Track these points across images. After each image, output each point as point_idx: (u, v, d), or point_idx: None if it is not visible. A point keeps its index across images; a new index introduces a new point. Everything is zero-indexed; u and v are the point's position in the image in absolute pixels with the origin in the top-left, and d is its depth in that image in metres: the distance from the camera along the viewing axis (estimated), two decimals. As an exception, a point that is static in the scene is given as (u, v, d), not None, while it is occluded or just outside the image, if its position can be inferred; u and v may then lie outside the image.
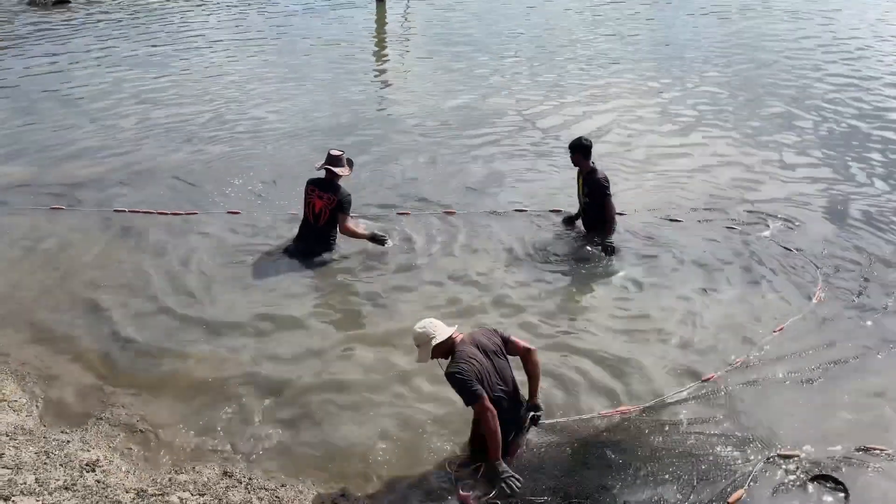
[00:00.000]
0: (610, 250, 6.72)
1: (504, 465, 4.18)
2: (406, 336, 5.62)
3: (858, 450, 4.51)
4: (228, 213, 7.54)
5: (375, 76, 12.67)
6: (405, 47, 14.54)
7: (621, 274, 6.53)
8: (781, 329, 5.69)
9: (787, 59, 13.05)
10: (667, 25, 15.59)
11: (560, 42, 14.14)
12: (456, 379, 4.12)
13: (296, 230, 6.96)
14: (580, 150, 6.72)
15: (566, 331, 5.78)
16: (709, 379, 5.17)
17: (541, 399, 4.63)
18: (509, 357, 4.47)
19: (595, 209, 6.81)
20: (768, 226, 7.29)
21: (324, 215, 6.73)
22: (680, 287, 6.33)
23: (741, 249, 6.90)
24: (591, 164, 6.77)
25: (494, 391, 4.23)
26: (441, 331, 4.24)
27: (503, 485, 4.12)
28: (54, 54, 13.33)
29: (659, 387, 5.11)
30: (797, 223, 7.36)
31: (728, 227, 7.24)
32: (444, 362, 4.29)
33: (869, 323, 5.82)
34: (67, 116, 10.35)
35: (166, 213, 7.54)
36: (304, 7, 17.30)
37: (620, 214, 7.09)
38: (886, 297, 6.14)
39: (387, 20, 16.40)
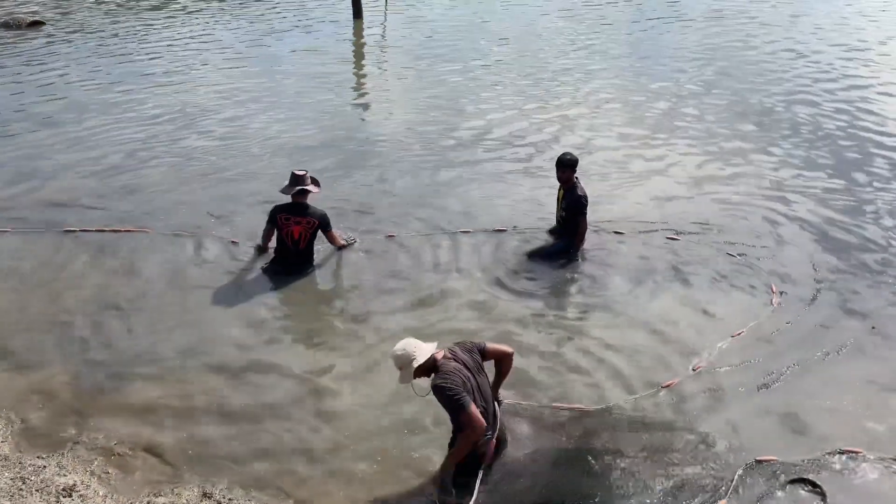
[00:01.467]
0: (573, 261, 6.82)
1: (449, 482, 4.13)
2: (387, 355, 5.66)
3: (835, 453, 4.57)
4: (223, 237, 7.39)
5: (353, 93, 12.69)
6: (383, 64, 14.59)
7: (578, 286, 6.59)
8: (740, 334, 5.76)
9: (750, 66, 13.24)
10: (640, 38, 15.75)
11: (537, 55, 14.22)
12: (442, 389, 4.02)
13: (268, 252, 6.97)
14: (568, 166, 6.77)
15: (529, 341, 5.80)
16: (669, 385, 5.21)
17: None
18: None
19: (571, 225, 6.86)
20: (711, 235, 7.31)
21: (304, 239, 6.72)
22: (632, 298, 6.34)
23: (691, 259, 6.91)
24: (575, 180, 6.82)
25: (478, 407, 4.19)
26: (421, 351, 4.16)
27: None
28: (29, 74, 13.26)
29: (616, 394, 5.17)
30: (744, 232, 7.36)
31: (671, 238, 7.23)
32: (421, 384, 4.24)
33: (826, 325, 5.91)
34: (41, 137, 10.26)
35: (119, 230, 7.45)
36: (281, 24, 17.33)
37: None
38: (839, 298, 6.25)
39: (364, 36, 16.45)
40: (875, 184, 8.41)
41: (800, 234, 7.34)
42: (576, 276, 6.72)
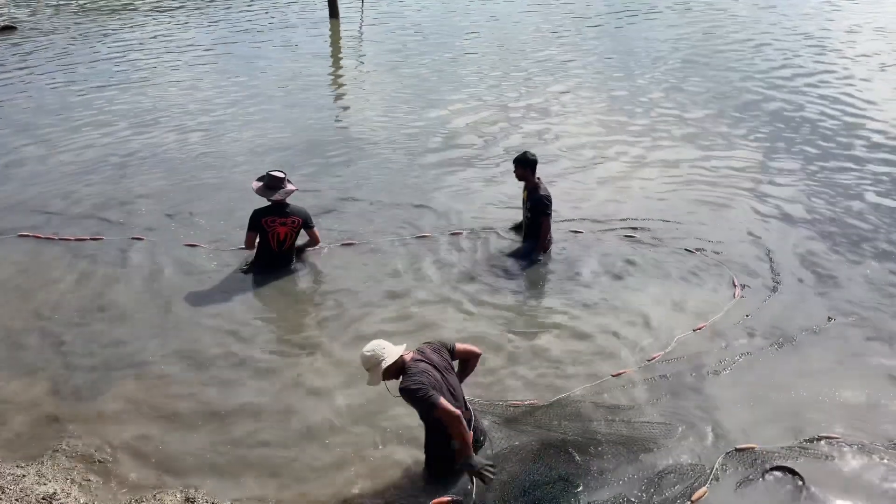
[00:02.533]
0: (536, 262, 6.84)
1: (477, 457, 4.10)
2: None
3: (813, 439, 4.63)
4: (198, 242, 7.34)
5: (331, 95, 12.65)
6: (360, 64, 14.56)
7: (540, 286, 6.62)
8: (703, 327, 5.82)
9: (716, 57, 13.39)
10: (610, 31, 15.85)
11: (514, 55, 14.25)
12: (410, 391, 4.02)
13: (246, 255, 6.96)
14: (525, 165, 6.79)
15: (495, 335, 5.86)
16: (618, 374, 5.28)
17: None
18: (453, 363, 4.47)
19: (534, 226, 6.85)
20: (670, 231, 7.36)
21: (289, 239, 6.72)
22: (598, 294, 6.38)
23: (650, 256, 6.95)
24: (537, 180, 6.82)
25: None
26: (390, 352, 4.15)
27: (480, 477, 4.05)
28: (9, 81, 13.11)
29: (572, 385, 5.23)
30: (699, 226, 7.45)
31: (628, 236, 7.26)
32: (393, 384, 4.23)
33: (790, 313, 6.00)
34: (15, 141, 10.19)
35: (85, 239, 7.41)
36: (256, 24, 17.24)
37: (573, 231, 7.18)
38: (800, 286, 6.37)
39: (341, 37, 16.41)
40: (836, 175, 8.54)
41: (760, 227, 7.44)
42: (537, 276, 6.72)
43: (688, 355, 5.52)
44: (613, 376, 5.29)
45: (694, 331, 5.78)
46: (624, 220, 7.58)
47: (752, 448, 4.56)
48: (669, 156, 9.28)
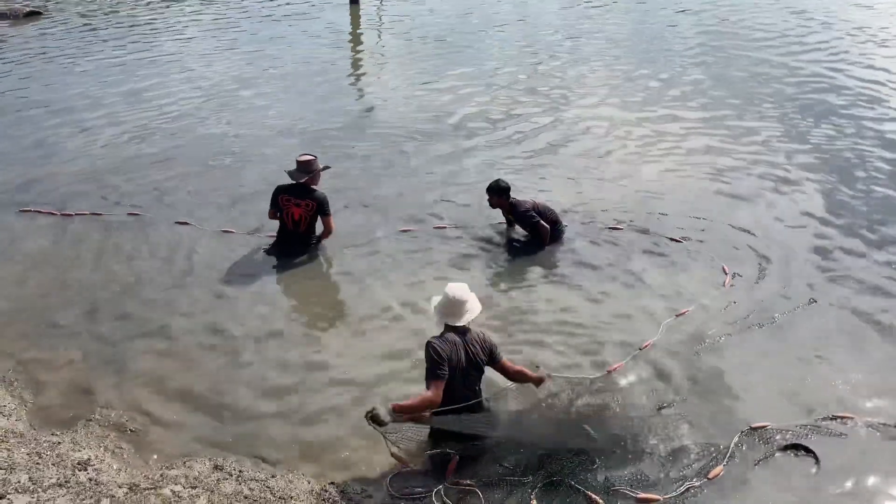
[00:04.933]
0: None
1: (384, 412, 4.10)
2: (391, 332, 5.81)
3: (827, 418, 4.71)
4: (223, 231, 7.39)
5: (348, 81, 12.72)
6: (380, 50, 14.64)
7: (529, 276, 6.61)
8: (685, 313, 5.86)
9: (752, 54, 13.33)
10: (650, 22, 15.80)
11: (540, 41, 14.26)
12: (430, 351, 4.27)
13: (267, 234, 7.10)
14: (500, 193, 6.85)
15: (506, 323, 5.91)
16: (613, 370, 5.25)
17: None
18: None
19: (533, 233, 6.91)
20: (655, 221, 7.39)
21: (304, 222, 6.80)
22: (597, 285, 6.39)
23: (645, 246, 6.97)
24: (511, 201, 6.86)
25: (457, 393, 4.36)
26: (473, 308, 4.44)
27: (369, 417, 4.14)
28: (28, 64, 13.32)
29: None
30: (692, 215, 7.48)
31: (612, 228, 7.25)
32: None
33: (782, 299, 6.05)
34: (45, 124, 10.38)
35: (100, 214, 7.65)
36: (278, 11, 17.35)
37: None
38: (788, 275, 6.41)
39: (361, 21, 16.49)
40: (834, 165, 8.59)
41: (749, 215, 7.50)
42: (529, 268, 6.73)
43: (698, 337, 5.60)
44: (640, 349, 5.41)
45: (676, 316, 5.83)
46: (605, 210, 7.61)
47: (766, 426, 4.64)
48: (682, 145, 9.34)
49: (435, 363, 4.26)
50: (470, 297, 4.45)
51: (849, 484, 4.29)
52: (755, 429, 4.64)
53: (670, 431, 4.66)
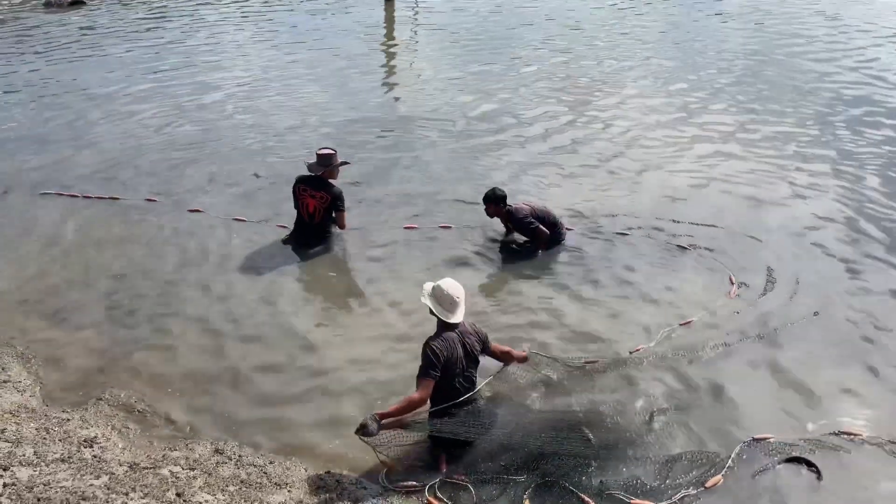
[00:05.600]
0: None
1: (374, 426, 4.22)
2: (395, 324, 5.85)
3: (833, 434, 4.62)
4: (235, 219, 7.52)
5: (379, 76, 12.80)
6: (412, 46, 14.70)
7: (529, 281, 6.55)
8: (690, 322, 5.79)
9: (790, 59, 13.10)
10: (688, 28, 15.62)
11: (578, 41, 14.17)
12: (428, 353, 4.37)
13: (289, 224, 7.17)
14: (495, 202, 6.81)
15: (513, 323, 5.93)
16: (594, 362, 5.24)
17: None
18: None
19: (532, 237, 6.87)
20: (665, 227, 7.30)
21: (318, 214, 6.88)
22: (599, 291, 6.33)
23: (652, 252, 6.90)
24: (508, 208, 6.83)
25: (454, 382, 4.46)
26: (458, 311, 4.48)
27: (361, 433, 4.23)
28: (68, 50, 13.68)
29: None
30: (698, 225, 7.33)
31: (619, 233, 7.18)
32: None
33: (789, 311, 5.94)
34: (78, 108, 10.69)
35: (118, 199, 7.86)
36: (313, 6, 17.52)
37: (569, 230, 7.12)
38: (797, 287, 6.27)
39: (396, 19, 16.56)
40: (859, 177, 8.40)
41: (763, 223, 7.37)
42: (529, 272, 6.68)
43: (702, 346, 5.52)
44: (631, 353, 5.39)
45: (680, 325, 5.76)
46: (612, 215, 7.53)
47: (769, 439, 4.57)
48: (703, 151, 9.23)
49: (429, 364, 4.35)
50: (462, 295, 4.52)
51: (850, 501, 4.20)
52: (758, 440, 4.57)
53: (669, 438, 4.62)
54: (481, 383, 4.74)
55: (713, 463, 4.42)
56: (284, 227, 7.22)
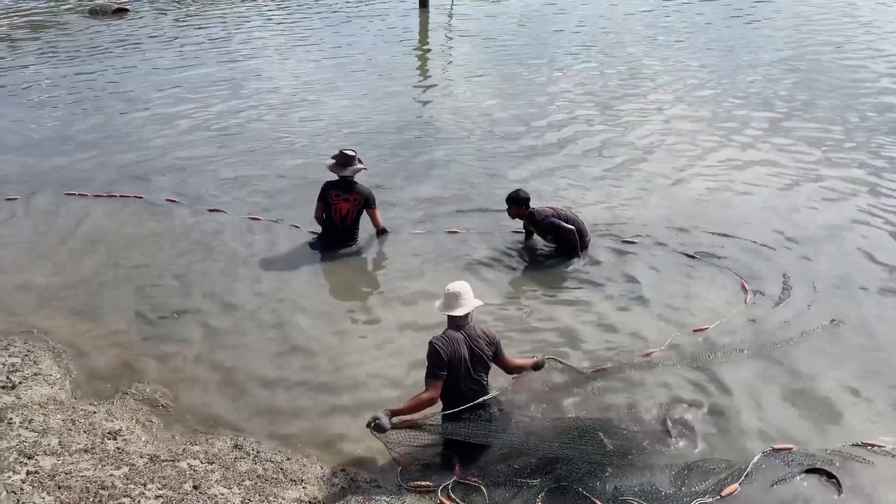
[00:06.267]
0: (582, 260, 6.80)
1: (386, 420, 4.30)
2: (415, 324, 5.89)
3: (855, 445, 4.52)
4: (251, 217, 7.68)
5: (411, 82, 12.85)
6: (448, 55, 14.75)
7: (554, 289, 6.52)
8: (706, 329, 5.73)
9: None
10: (722, 34, 15.44)
11: (614, 52, 14.03)
12: (430, 351, 4.42)
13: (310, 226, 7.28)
14: (518, 203, 6.79)
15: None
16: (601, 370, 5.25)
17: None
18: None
19: (562, 242, 6.80)
20: (677, 235, 7.23)
21: (351, 216, 6.99)
22: (615, 300, 6.28)
23: (665, 261, 6.83)
24: (531, 211, 6.79)
25: (460, 384, 4.46)
26: (466, 303, 4.54)
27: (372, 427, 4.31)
28: (111, 56, 14.08)
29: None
30: (714, 234, 7.23)
31: (628, 241, 7.09)
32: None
33: (804, 319, 5.85)
34: (114, 110, 11.02)
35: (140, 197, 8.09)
36: (349, 13, 17.72)
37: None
38: (815, 295, 6.19)
39: (430, 27, 16.66)
40: (883, 186, 8.19)
41: (781, 231, 7.25)
42: (539, 278, 6.67)
43: (718, 353, 5.46)
44: (695, 331, 5.53)
45: (694, 331, 5.71)
46: (623, 223, 7.47)
47: (791, 449, 4.49)
48: (728, 157, 9.12)
49: (434, 363, 4.40)
50: (464, 290, 4.55)
51: (871, 514, 4.12)
52: (778, 450, 4.50)
53: (685, 445, 4.57)
54: (494, 392, 4.69)
55: (730, 471, 4.36)
56: (297, 227, 7.35)
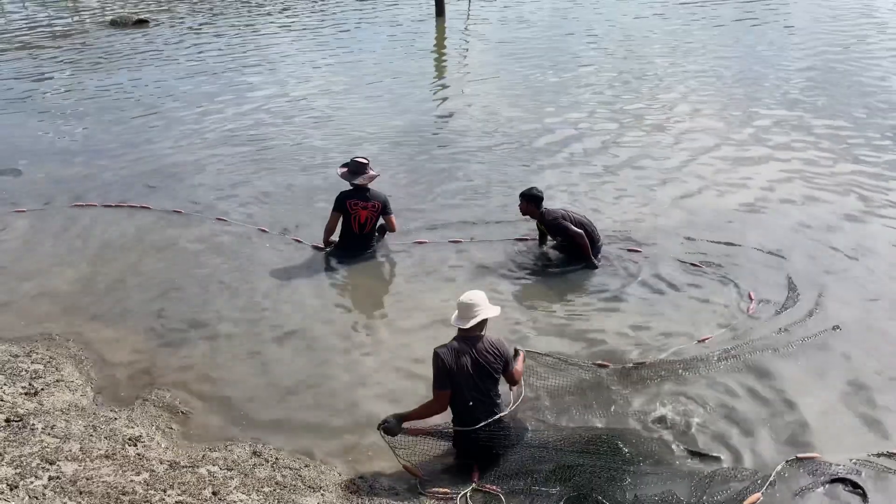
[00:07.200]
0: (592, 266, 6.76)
1: (395, 424, 4.38)
2: (436, 335, 5.87)
3: (881, 455, 4.44)
4: (260, 229, 7.71)
5: (429, 92, 12.90)
6: (461, 62, 14.80)
7: (559, 297, 6.48)
8: (710, 338, 5.66)
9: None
10: (752, 42, 15.34)
11: (630, 60, 13.97)
12: (434, 360, 4.43)
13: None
14: (532, 200, 6.78)
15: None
16: (604, 365, 5.28)
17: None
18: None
19: (571, 244, 6.78)
20: (683, 244, 7.16)
21: (370, 223, 7.02)
22: (624, 305, 6.26)
23: (672, 270, 6.76)
24: (542, 210, 6.79)
25: (465, 394, 4.41)
26: (482, 312, 4.46)
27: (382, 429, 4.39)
28: (131, 65, 14.28)
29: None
30: (721, 243, 7.15)
31: (632, 250, 7.04)
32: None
33: (811, 327, 5.77)
34: (137, 121, 11.10)
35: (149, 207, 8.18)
36: (365, 21, 17.83)
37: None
38: (822, 302, 6.10)
39: (446, 35, 16.72)
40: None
41: (789, 241, 7.16)
42: (543, 287, 6.63)
43: (751, 359, 5.41)
44: (699, 342, 5.50)
45: (698, 342, 5.63)
46: (627, 231, 7.42)
47: (815, 458, 4.43)
48: (748, 168, 9.01)
49: (437, 375, 4.41)
50: (480, 302, 4.46)
51: (897, 525, 4.05)
52: (801, 459, 4.44)
53: (707, 455, 4.52)
54: (506, 410, 4.63)
55: (753, 480, 4.31)
56: (300, 241, 7.38)
